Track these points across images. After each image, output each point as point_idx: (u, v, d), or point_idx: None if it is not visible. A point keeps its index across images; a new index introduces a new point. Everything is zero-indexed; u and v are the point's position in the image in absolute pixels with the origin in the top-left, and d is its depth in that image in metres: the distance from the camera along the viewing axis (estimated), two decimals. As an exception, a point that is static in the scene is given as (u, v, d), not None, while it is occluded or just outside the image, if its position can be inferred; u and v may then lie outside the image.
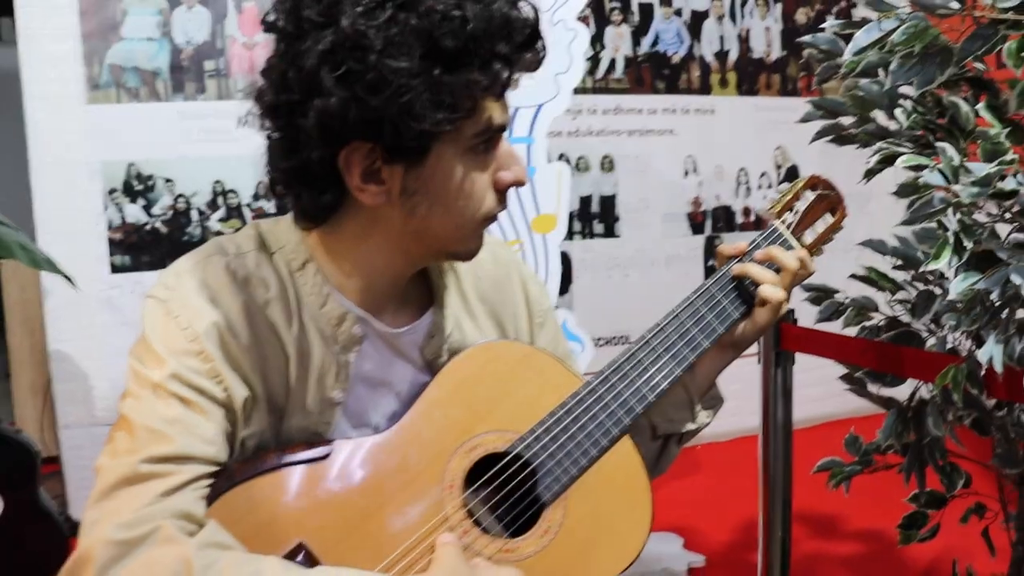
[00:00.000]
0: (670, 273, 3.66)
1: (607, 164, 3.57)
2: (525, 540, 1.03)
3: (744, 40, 3.77)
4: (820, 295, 1.60)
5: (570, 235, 3.50)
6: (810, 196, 1.25)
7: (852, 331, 1.60)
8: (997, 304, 1.15)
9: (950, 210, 1.17)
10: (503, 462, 1.05)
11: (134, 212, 3.07)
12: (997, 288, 1.12)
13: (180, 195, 3.10)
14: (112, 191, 3.04)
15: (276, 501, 0.95)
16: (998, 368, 1.13)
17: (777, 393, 1.63)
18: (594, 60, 3.52)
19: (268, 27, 0.96)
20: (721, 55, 3.73)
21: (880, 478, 1.76)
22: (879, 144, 1.35)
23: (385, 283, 1.06)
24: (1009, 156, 1.13)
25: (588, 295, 3.57)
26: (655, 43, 3.61)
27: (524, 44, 0.96)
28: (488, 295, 1.19)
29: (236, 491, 0.94)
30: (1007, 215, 1.19)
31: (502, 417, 1.06)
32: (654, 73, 3.61)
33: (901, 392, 1.56)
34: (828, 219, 1.26)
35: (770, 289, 1.15)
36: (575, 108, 3.50)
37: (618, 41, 3.55)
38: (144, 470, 0.88)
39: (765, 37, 3.81)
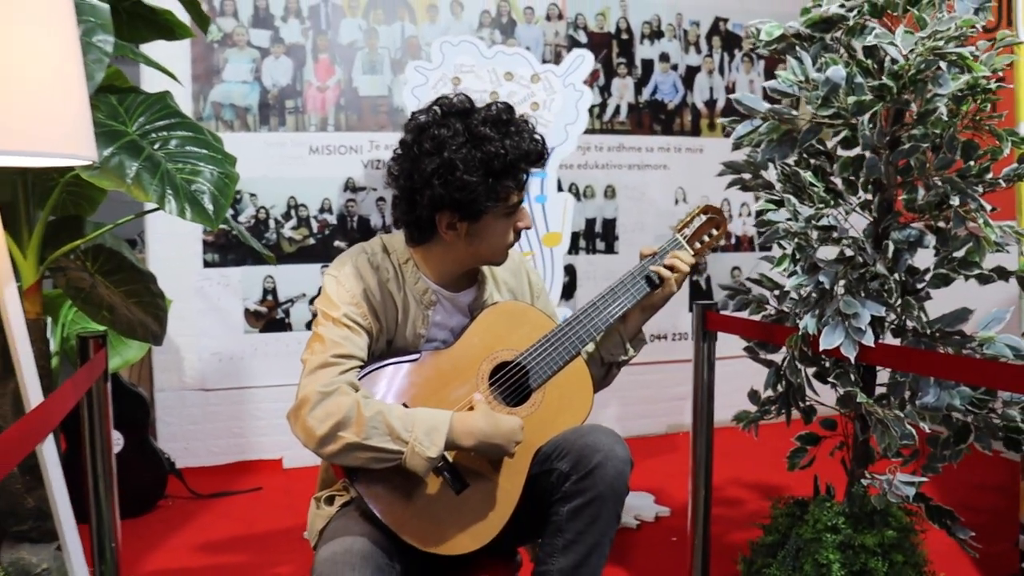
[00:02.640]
0: (660, 285, 4.34)
1: (610, 192, 4.28)
2: (521, 408, 1.76)
3: (731, 91, 4.47)
4: (734, 292, 2.30)
5: (576, 251, 4.22)
6: (703, 218, 1.97)
7: (756, 317, 2.29)
8: (813, 295, 1.86)
9: (797, 237, 1.88)
10: (510, 366, 1.78)
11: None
12: (811, 285, 1.84)
13: (261, 207, 3.85)
14: (209, 202, 3.79)
15: (391, 380, 1.70)
16: (811, 332, 1.83)
17: (703, 362, 2.31)
18: (602, 106, 4.24)
19: (403, 144, 1.70)
20: (710, 103, 4.44)
21: (782, 436, 2.44)
22: (763, 193, 2.06)
23: (452, 273, 1.79)
24: (822, 205, 1.85)
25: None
26: (654, 92, 4.33)
27: (535, 162, 1.70)
28: (508, 280, 1.93)
29: (370, 375, 1.68)
30: (829, 240, 1.89)
31: (511, 342, 1.80)
32: (652, 117, 4.33)
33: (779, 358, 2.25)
34: (714, 233, 1.97)
35: (672, 278, 1.89)
36: (584, 145, 4.21)
37: (623, 90, 4.27)
38: (331, 360, 1.63)
39: (749, 88, 4.51)
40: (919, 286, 1.97)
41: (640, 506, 3.32)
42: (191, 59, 3.73)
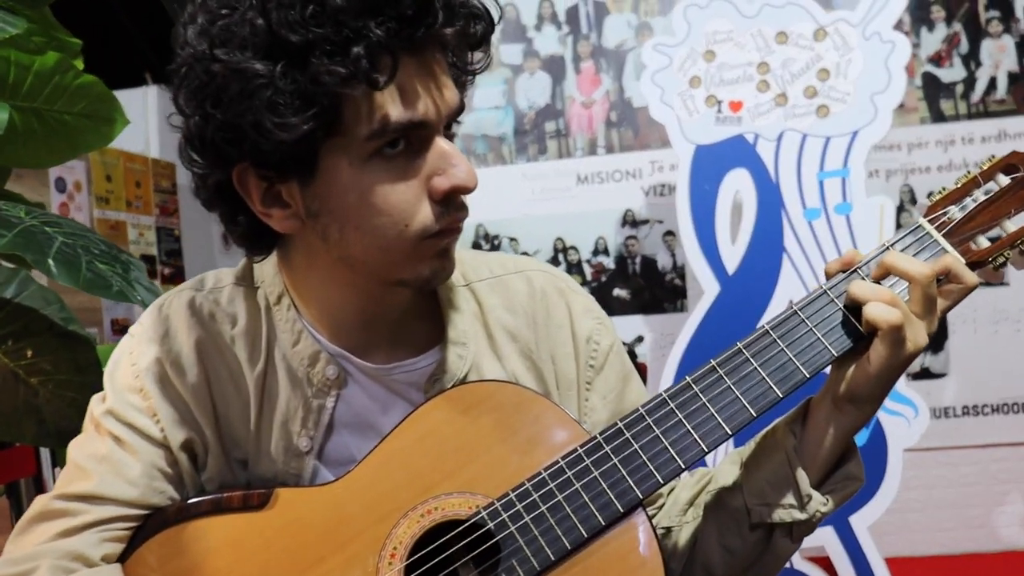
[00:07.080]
0: (1081, 327, 2.99)
1: (991, 199, 3.06)
2: None
3: None
4: None
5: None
6: (1003, 181, 0.90)
7: None
8: None
9: None
10: (458, 530, 0.86)
11: (484, 269, 3.26)
12: None
13: (523, 252, 3.24)
14: (461, 250, 3.27)
15: (204, 549, 0.87)
16: None
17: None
18: (968, 81, 3.06)
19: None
20: None
21: None
22: None
23: (353, 318, 0.94)
24: None
25: (968, 354, 3.05)
26: (1052, 54, 3.05)
27: (416, 16, 0.77)
28: (520, 332, 1.01)
29: (167, 533, 0.89)
30: None
31: (473, 476, 0.87)
32: (1050, 89, 3.05)
33: None
34: None
35: (878, 310, 0.83)
36: (946, 139, 3.08)
37: (999, 55, 3.05)
38: (56, 507, 0.88)
39: None
40: None
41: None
42: (438, 89, 3.27)
